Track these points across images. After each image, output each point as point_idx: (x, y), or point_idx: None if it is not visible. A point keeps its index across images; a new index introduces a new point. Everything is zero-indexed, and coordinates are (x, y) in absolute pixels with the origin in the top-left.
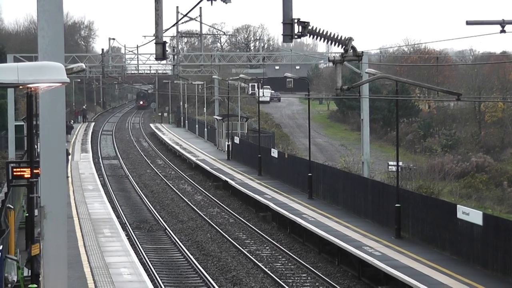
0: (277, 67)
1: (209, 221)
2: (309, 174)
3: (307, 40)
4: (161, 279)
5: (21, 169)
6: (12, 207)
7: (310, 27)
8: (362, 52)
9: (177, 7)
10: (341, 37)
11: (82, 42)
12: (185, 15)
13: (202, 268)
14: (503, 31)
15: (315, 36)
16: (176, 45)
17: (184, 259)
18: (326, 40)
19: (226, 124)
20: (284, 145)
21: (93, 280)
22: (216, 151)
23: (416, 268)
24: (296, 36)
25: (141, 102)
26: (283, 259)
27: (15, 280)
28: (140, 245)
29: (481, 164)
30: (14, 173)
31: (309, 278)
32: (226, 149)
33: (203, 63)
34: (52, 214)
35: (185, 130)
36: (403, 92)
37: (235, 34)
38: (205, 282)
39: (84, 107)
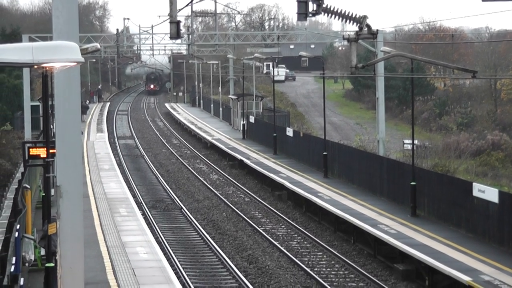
0: (291, 46)
1: (224, 200)
2: (325, 153)
3: (322, 18)
4: (177, 258)
5: (37, 149)
6: (28, 187)
7: (324, 5)
8: (377, 30)
9: None
10: (356, 15)
11: (97, 22)
12: None
13: (218, 247)
14: None
15: (330, 14)
16: (190, 25)
17: (200, 238)
18: (340, 18)
19: (241, 103)
20: (299, 124)
21: (109, 259)
22: (231, 131)
23: (432, 246)
24: (310, 14)
25: (152, 86)
26: (298, 238)
27: (32, 259)
28: (156, 224)
29: (497, 142)
30: (31, 153)
31: (324, 256)
32: (241, 129)
33: (218, 43)
34: (68, 193)
35: (200, 109)
36: (418, 70)
37: (249, 13)
38: (221, 261)
39: (99, 87)
